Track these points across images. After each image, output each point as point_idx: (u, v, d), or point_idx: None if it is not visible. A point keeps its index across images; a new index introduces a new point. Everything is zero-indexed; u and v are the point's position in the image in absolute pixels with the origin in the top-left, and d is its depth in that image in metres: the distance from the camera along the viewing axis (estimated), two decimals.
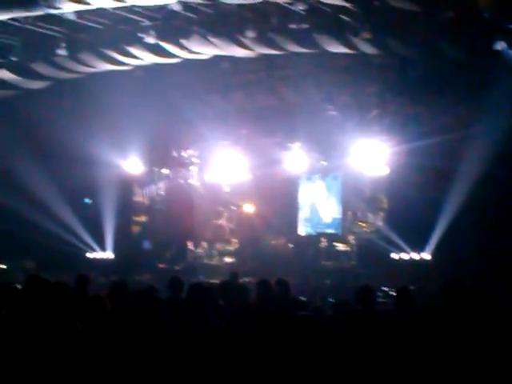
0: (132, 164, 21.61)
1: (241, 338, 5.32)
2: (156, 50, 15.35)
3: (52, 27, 15.20)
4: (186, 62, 16.17)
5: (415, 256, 16.97)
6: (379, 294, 12.60)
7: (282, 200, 21.44)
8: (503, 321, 6.14)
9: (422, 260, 16.80)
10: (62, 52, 15.64)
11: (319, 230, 21.09)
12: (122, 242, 21.16)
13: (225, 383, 4.93)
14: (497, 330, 5.89)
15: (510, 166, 14.29)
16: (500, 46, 13.39)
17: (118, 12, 14.48)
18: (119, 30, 15.49)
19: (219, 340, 5.27)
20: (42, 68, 16.42)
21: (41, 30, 15.26)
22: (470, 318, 6.27)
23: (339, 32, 14.19)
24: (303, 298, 11.76)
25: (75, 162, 19.33)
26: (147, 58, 15.93)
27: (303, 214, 21.98)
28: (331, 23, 14.20)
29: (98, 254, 21.16)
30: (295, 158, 20.28)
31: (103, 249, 21.15)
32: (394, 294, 7.86)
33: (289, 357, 4.76)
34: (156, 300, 5.71)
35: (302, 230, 21.87)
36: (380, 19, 13.77)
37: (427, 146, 15.27)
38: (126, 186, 21.94)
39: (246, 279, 13.27)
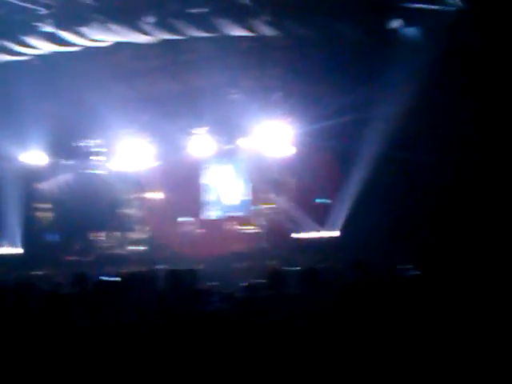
0: (35, 156, 21.10)
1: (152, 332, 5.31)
2: (54, 38, 14.99)
3: None
4: (87, 49, 15.86)
5: (323, 234, 17.27)
6: (290, 274, 12.75)
7: (190, 185, 21.40)
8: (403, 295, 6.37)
9: (330, 238, 17.11)
10: None
11: (228, 214, 21.17)
12: (28, 237, 20.68)
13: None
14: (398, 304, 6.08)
15: (408, 147, 14.66)
16: (396, 23, 13.67)
17: (12, 1, 14.07)
18: (14, 19, 15.04)
19: (129, 336, 5.25)
20: None
21: None
22: (377, 294, 6.45)
23: (239, 15, 14.20)
24: (215, 283, 11.88)
25: None
26: (45, 47, 15.53)
27: (212, 198, 22.00)
28: (231, 6, 14.20)
29: (3, 250, 20.64)
30: (201, 143, 20.27)
31: (9, 244, 20.64)
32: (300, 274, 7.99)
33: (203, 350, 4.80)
34: (62, 297, 5.64)
35: (212, 214, 21.88)
36: (279, 1, 13.87)
37: (329, 128, 15.52)
38: (31, 179, 21.42)
39: (159, 267, 13.22)
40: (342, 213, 16.35)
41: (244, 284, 10.50)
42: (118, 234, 21.84)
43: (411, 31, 13.86)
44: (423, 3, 13.33)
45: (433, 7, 13.18)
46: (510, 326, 5.30)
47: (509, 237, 12.61)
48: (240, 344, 5.01)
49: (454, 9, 12.89)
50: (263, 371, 4.93)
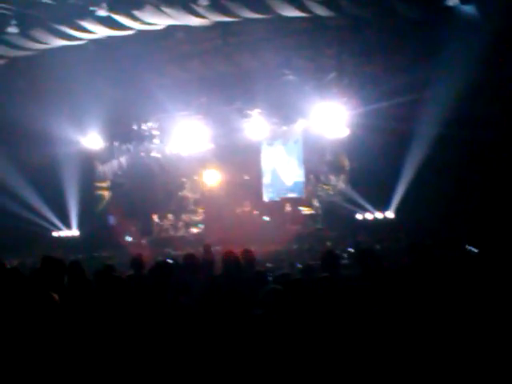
0: (92, 139, 21.41)
1: (207, 315, 5.33)
2: (109, 22, 15.09)
3: (0, 5, 14.88)
4: (141, 33, 15.95)
5: (379, 216, 17.13)
6: (345, 255, 12.73)
7: (244, 167, 21.45)
8: (462, 275, 6.27)
9: (386, 219, 16.96)
10: (13, 30, 15.32)
11: (283, 195, 21.17)
12: (87, 219, 21.01)
13: (193, 361, 4.94)
14: (458, 284, 5.99)
15: (466, 126, 14.39)
16: (452, 1, 13.43)
17: None
18: (70, 4, 15.18)
19: (184, 317, 5.28)
20: None
21: None
22: (433, 276, 6.38)
23: None
24: (270, 265, 11.90)
25: (34, 141, 19.12)
26: (100, 31, 15.67)
27: (266, 179, 22.02)
28: None
29: (63, 233, 21.03)
30: (255, 125, 20.24)
31: (68, 227, 21.02)
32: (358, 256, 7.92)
33: (255, 331, 4.79)
34: (114, 279, 5.69)
35: (266, 195, 21.91)
36: None
37: (386, 108, 15.33)
38: (87, 163, 21.71)
39: (214, 249, 13.29)
40: (399, 194, 16.17)
41: (299, 265, 10.52)
42: (175, 216, 22.03)
43: (468, 9, 13.58)
44: None
45: None
46: None
47: None
48: (292, 324, 5.01)
49: None
50: (319, 349, 4.93)
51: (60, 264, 7.33)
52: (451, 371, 4.96)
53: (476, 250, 7.99)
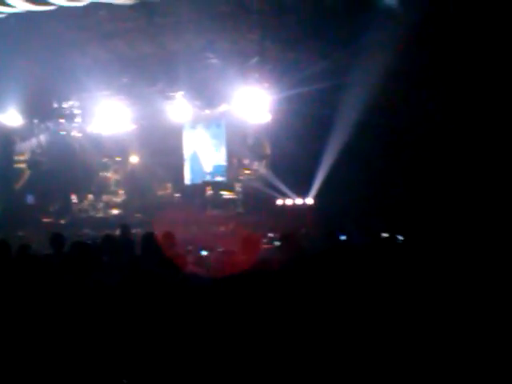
0: (11, 116, 20.90)
1: (126, 294, 5.35)
2: None
3: None
4: (63, 9, 15.65)
5: (299, 202, 17.33)
6: (265, 240, 12.86)
7: (166, 150, 21.35)
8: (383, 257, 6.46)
9: (305, 205, 17.17)
10: None
11: (205, 179, 21.21)
12: (4, 197, 20.59)
13: (112, 341, 4.96)
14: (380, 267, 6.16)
15: (385, 114, 14.70)
16: None
17: None
18: None
19: (103, 296, 5.28)
20: None
21: None
22: (352, 261, 6.55)
23: None
24: (189, 248, 11.90)
25: None
26: (20, 6, 15.29)
27: (188, 163, 22.02)
28: None
29: None
30: (178, 107, 20.17)
31: None
32: (279, 240, 8.02)
33: (173, 312, 4.85)
34: (30, 258, 5.66)
35: (188, 179, 21.91)
36: None
37: (307, 94, 15.49)
38: (6, 140, 21.25)
39: (134, 231, 13.23)
40: (319, 180, 16.38)
41: (220, 249, 10.57)
42: (95, 196, 21.82)
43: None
44: None
45: None
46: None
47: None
48: (206, 308, 5.08)
49: None
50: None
51: None
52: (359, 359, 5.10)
53: (401, 238, 8.15)
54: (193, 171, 21.85)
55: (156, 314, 4.95)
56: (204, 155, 21.68)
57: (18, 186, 22.22)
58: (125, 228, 11.46)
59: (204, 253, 9.20)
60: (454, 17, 13.37)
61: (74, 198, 21.68)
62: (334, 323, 5.29)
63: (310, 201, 17.07)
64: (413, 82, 14.69)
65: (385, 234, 8.95)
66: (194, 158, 21.87)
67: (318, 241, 10.27)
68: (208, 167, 21.56)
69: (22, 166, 22.48)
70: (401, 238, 8.09)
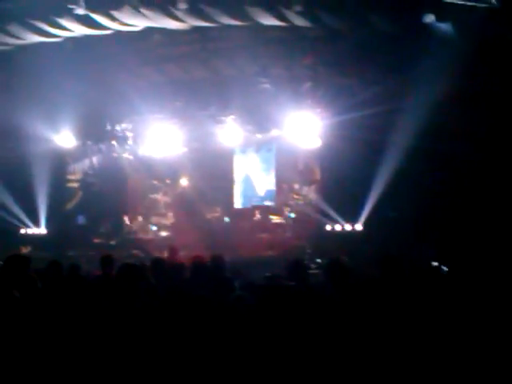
0: (64, 138, 21.24)
1: (172, 318, 5.33)
2: (86, 21, 15.02)
3: None
4: (118, 33, 15.90)
5: (348, 227, 17.18)
6: (313, 266, 12.76)
7: (216, 173, 21.43)
8: (432, 288, 6.32)
9: (355, 231, 17.02)
10: None
11: (254, 203, 21.21)
12: (56, 218, 20.88)
13: (159, 364, 4.94)
14: (428, 297, 6.04)
15: (438, 139, 14.53)
16: (429, 18, 13.57)
17: None
18: (48, 0, 15.12)
19: (150, 318, 5.28)
20: None
21: None
22: (402, 288, 6.44)
23: (271, 4, 14.15)
24: (237, 272, 11.86)
25: (6, 138, 18.96)
26: (77, 30, 15.58)
27: (238, 186, 22.07)
28: None
29: (31, 230, 20.87)
30: (229, 131, 20.24)
31: (37, 224, 20.85)
32: (327, 266, 7.93)
33: (221, 337, 4.80)
34: (81, 278, 5.69)
35: (237, 202, 21.95)
36: None
37: (358, 119, 15.40)
38: (59, 161, 21.58)
39: (182, 253, 13.27)
40: (369, 206, 16.22)
41: (267, 274, 10.52)
42: (145, 218, 22.00)
43: (444, 26, 13.74)
44: None
45: (466, 3, 13.06)
46: None
47: None
48: (257, 332, 5.03)
49: (486, 5, 12.77)
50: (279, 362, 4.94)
51: (24, 261, 7.31)
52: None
53: (446, 269, 8.00)
54: (244, 195, 21.88)
55: (203, 338, 4.91)
56: (255, 180, 21.69)
57: (70, 206, 22.51)
58: (173, 250, 11.52)
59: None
60: (510, 42, 13.20)
61: (125, 220, 21.89)
62: (382, 353, 5.20)
63: (359, 227, 16.92)
64: (466, 106, 14.52)
65: (435, 263, 8.80)
66: (247, 182, 21.89)
67: (366, 268, 10.14)
68: (258, 192, 21.55)
69: (75, 186, 22.79)
70: (445, 268, 7.93)
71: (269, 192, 21.31)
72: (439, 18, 13.51)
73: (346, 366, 5.07)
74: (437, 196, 15.06)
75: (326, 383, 4.96)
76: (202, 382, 4.76)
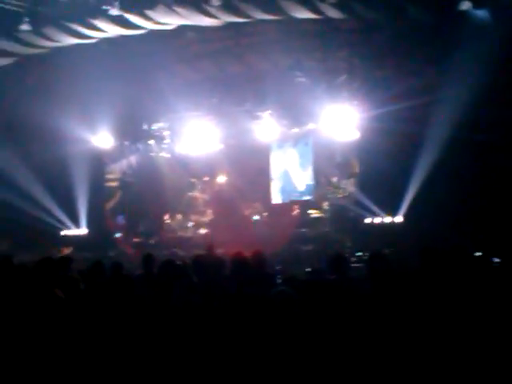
0: (102, 138, 21.41)
1: (215, 314, 5.31)
2: (120, 21, 15.12)
3: (13, 2, 14.91)
4: (152, 32, 15.95)
5: (387, 220, 17.01)
6: (353, 259, 12.68)
7: (254, 169, 21.41)
8: (476, 279, 6.22)
9: (394, 224, 16.84)
10: (25, 27, 15.35)
11: (292, 198, 21.15)
12: (96, 218, 21.03)
13: (200, 360, 4.92)
14: (472, 289, 5.94)
15: (478, 130, 14.31)
16: (465, 5, 13.38)
17: None
18: (83, 2, 15.23)
19: (193, 315, 5.26)
20: (5, 44, 16.13)
21: (2, 6, 14.96)
22: (446, 280, 6.34)
23: None
24: (278, 267, 11.86)
25: (45, 139, 19.13)
26: (112, 30, 15.68)
27: (276, 182, 22.02)
28: None
29: (72, 231, 21.05)
30: (266, 127, 20.19)
31: (77, 225, 21.03)
32: (368, 259, 7.85)
33: (262, 332, 4.77)
34: (124, 277, 5.70)
35: (276, 198, 21.90)
36: None
37: (396, 111, 15.24)
38: (97, 161, 21.73)
39: (221, 250, 13.28)
40: (409, 198, 16.05)
41: (308, 269, 10.48)
42: (184, 216, 22.06)
43: (480, 13, 13.53)
44: None
45: None
46: None
47: None
48: (301, 326, 4.99)
49: None
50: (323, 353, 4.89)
51: (65, 262, 7.37)
52: (459, 376, 4.92)
53: (497, 260, 7.82)
54: (283, 190, 21.82)
55: (247, 334, 4.88)
56: (293, 174, 21.61)
57: (109, 206, 22.67)
58: (210, 248, 11.52)
59: None
60: None
61: (165, 218, 22.00)
62: (425, 344, 5.13)
63: (399, 219, 16.74)
64: (503, 96, 14.29)
65: (478, 253, 8.66)
66: (285, 177, 21.83)
67: (406, 259, 10.04)
68: (298, 187, 21.47)
69: (113, 186, 22.95)
70: (497, 260, 7.76)
71: (307, 186, 21.21)
72: (476, 5, 13.31)
73: (389, 361, 5.01)
74: (476, 186, 14.84)
75: (370, 376, 4.91)
76: (248, 377, 4.74)
